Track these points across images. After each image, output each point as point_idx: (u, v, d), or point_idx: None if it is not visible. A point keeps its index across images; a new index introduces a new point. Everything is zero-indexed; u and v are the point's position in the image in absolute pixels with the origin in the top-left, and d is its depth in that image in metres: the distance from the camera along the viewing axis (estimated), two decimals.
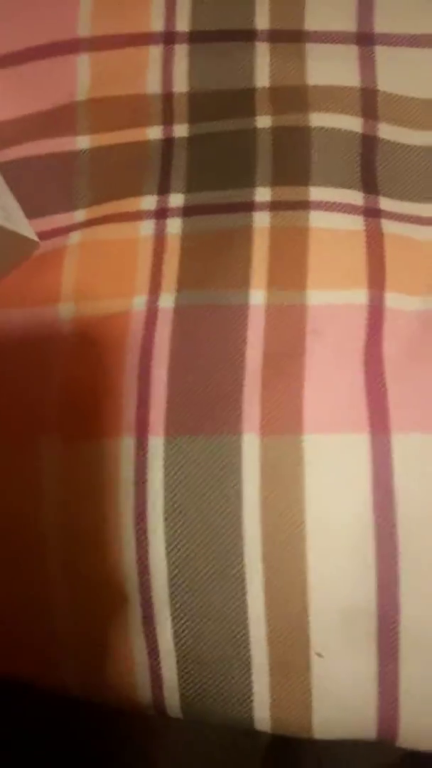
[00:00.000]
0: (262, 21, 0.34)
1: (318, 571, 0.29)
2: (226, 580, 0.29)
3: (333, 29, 0.34)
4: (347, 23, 0.34)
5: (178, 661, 0.30)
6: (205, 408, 0.30)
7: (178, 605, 0.29)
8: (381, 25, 0.34)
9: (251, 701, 0.30)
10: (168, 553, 0.29)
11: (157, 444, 0.30)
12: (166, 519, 0.29)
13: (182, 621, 0.29)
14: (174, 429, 0.30)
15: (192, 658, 0.29)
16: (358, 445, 0.29)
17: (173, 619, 0.29)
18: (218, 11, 0.35)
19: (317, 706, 0.29)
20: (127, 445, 0.30)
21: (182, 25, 0.34)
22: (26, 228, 0.32)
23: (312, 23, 0.34)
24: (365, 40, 0.34)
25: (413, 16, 0.34)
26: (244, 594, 0.29)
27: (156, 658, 0.30)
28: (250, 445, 0.29)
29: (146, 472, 0.29)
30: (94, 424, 0.30)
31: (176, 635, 0.29)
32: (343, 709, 0.29)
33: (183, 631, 0.29)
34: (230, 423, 0.29)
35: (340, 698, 0.29)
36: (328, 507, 0.29)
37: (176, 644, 0.30)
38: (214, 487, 0.29)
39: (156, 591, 0.29)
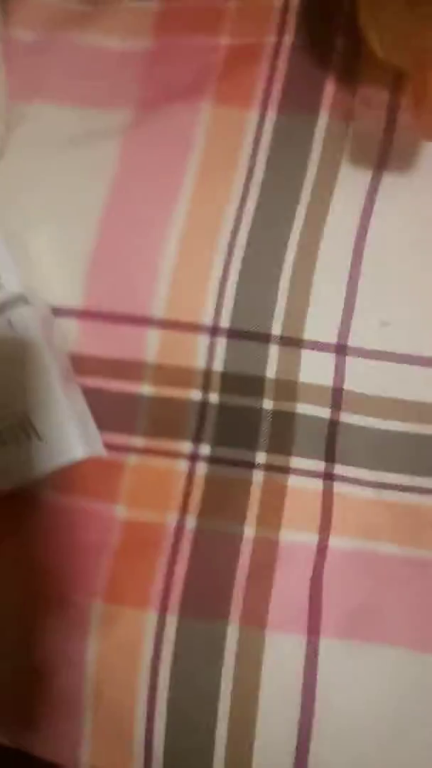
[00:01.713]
0: (276, 327, 0.44)
1: (262, 728, 0.41)
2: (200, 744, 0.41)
3: (320, 340, 0.44)
4: (330, 334, 0.45)
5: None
6: (207, 597, 0.43)
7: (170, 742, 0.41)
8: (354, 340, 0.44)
9: None
10: (168, 707, 0.41)
11: (172, 621, 0.42)
12: (170, 680, 0.41)
13: (171, 748, 0.41)
14: (185, 611, 0.43)
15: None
16: (297, 643, 0.41)
17: (165, 745, 0.41)
18: (249, 316, 0.46)
19: None
20: (151, 618, 0.43)
21: (225, 322, 0.44)
22: (95, 436, 0.44)
23: (308, 333, 0.44)
24: (341, 350, 0.44)
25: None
26: (210, 740, 0.41)
27: (150, 761, 0.42)
28: (232, 635, 0.41)
29: (162, 643, 0.43)
30: (131, 595, 0.43)
31: (165, 748, 0.42)
32: None
33: (171, 750, 0.42)
34: (221, 612, 0.42)
35: None
36: (271, 687, 0.41)
37: (165, 755, 0.42)
38: (202, 662, 0.41)
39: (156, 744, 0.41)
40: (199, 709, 0.40)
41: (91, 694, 0.42)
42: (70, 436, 0.39)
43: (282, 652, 0.41)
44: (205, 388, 0.44)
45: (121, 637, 0.42)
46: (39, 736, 0.42)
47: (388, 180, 0.45)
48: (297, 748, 0.40)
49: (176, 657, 0.41)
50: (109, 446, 0.44)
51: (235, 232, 0.45)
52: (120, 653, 0.41)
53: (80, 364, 0.45)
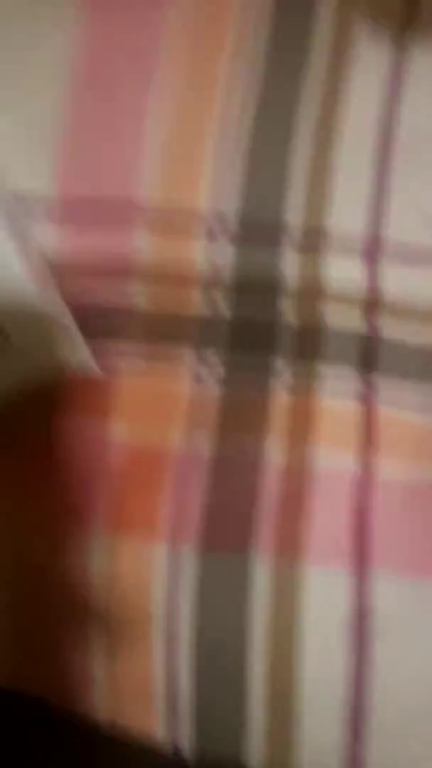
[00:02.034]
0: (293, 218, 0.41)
1: (306, 679, 0.37)
2: (229, 686, 0.38)
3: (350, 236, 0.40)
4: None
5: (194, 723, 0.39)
6: (229, 527, 0.38)
7: (196, 700, 0.38)
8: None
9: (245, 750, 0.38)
10: (192, 646, 0.38)
11: (187, 556, 0.38)
12: (192, 621, 0.38)
13: (199, 706, 0.38)
14: (201, 544, 0.38)
15: (202, 725, 0.38)
16: (341, 579, 0.37)
17: (192, 709, 0.38)
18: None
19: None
20: (160, 553, 0.38)
21: (229, 214, 0.41)
22: (82, 346, 0.39)
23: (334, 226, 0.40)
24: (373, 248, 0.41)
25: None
26: (243, 688, 0.38)
27: (175, 718, 0.38)
28: (262, 568, 0.38)
29: (179, 577, 0.38)
30: (135, 526, 0.39)
31: (192, 702, 0.38)
32: None
33: (198, 703, 0.38)
34: (246, 543, 0.38)
35: None
36: (315, 629, 0.37)
37: (192, 711, 0.38)
38: (228, 601, 0.38)
39: (181, 680, 0.38)
40: (228, 652, 0.38)
41: (101, 639, 0.39)
42: (49, 343, 0.35)
43: (326, 589, 0.38)
44: (210, 301, 0.40)
45: (127, 574, 0.38)
46: (48, 679, 0.39)
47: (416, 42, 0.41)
48: (347, 693, 0.37)
49: (195, 596, 0.38)
50: (100, 361, 0.40)
51: (231, 94, 0.41)
52: (128, 591, 0.38)
53: (60, 273, 0.40)
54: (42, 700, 0.39)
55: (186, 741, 0.38)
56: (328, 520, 0.38)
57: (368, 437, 0.39)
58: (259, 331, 0.40)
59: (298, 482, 0.38)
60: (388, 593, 0.38)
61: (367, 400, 0.40)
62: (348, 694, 0.37)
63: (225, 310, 0.41)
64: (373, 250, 0.40)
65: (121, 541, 0.39)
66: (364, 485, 0.39)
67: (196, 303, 0.41)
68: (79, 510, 0.39)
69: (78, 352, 0.38)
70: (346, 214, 0.41)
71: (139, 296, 0.41)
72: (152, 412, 0.40)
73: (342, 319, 0.40)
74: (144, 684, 0.39)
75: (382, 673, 0.37)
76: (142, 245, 0.41)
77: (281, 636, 0.38)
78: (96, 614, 0.39)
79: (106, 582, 0.39)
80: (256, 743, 0.38)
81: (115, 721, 0.39)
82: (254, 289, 0.40)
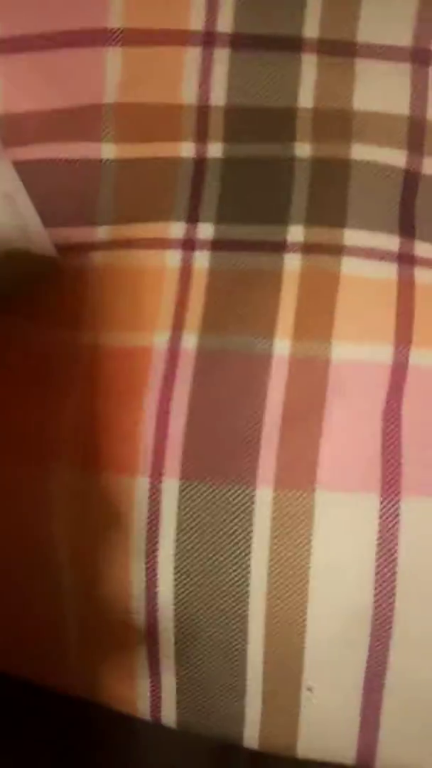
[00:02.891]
0: (311, 28, 0.33)
1: (316, 613, 0.31)
2: (229, 618, 0.31)
3: (387, 43, 0.33)
4: (403, 37, 0.33)
5: (177, 682, 0.32)
6: (222, 456, 0.31)
7: (182, 636, 0.31)
8: None
9: (242, 723, 0.32)
10: (176, 590, 0.31)
11: (171, 487, 0.31)
12: (176, 558, 0.31)
13: (185, 650, 0.32)
14: (189, 473, 0.31)
15: (191, 681, 0.32)
16: (368, 504, 0.30)
17: (176, 648, 0.32)
18: (264, 12, 0.33)
19: (302, 731, 0.32)
20: (141, 484, 0.31)
21: (224, 24, 0.33)
22: (45, 242, 0.32)
23: (365, 34, 0.33)
24: (421, 58, 0.33)
25: None
26: (245, 631, 0.31)
27: (157, 677, 0.32)
28: (263, 498, 0.31)
29: (159, 514, 0.31)
30: (108, 459, 0.31)
31: (178, 661, 0.32)
32: (325, 735, 0.32)
33: (185, 658, 0.32)
34: (245, 474, 0.31)
35: (325, 725, 0.32)
36: (333, 560, 0.31)
37: (177, 669, 0.32)
38: (224, 534, 0.31)
39: (161, 621, 0.31)
40: (223, 597, 0.31)
41: (72, 596, 0.32)
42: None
43: (343, 518, 0.31)
44: (200, 136, 0.33)
45: (100, 515, 0.32)
46: (17, 656, 0.34)
47: None
48: (370, 639, 0.31)
49: (182, 534, 0.31)
50: (63, 246, 0.33)
51: None
52: (101, 534, 0.32)
53: (10, 128, 0.34)
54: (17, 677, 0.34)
55: (170, 711, 0.33)
56: (347, 428, 0.31)
57: (403, 318, 0.31)
58: (264, 176, 0.33)
59: (311, 382, 0.31)
60: (423, 519, 0.31)
61: (403, 267, 0.32)
62: (373, 638, 0.31)
63: (217, 148, 0.33)
64: (419, 58, 0.33)
65: (92, 475, 0.31)
66: (394, 380, 0.31)
67: (178, 144, 0.33)
68: (43, 437, 0.32)
69: (31, 233, 0.30)
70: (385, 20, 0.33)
71: (107, 145, 0.33)
72: (128, 306, 0.32)
73: (375, 152, 0.33)
74: (121, 636, 0.32)
75: (408, 619, 0.31)
76: (112, 78, 0.33)
77: (288, 577, 0.31)
78: (67, 564, 0.32)
79: (76, 526, 0.32)
80: (253, 710, 0.32)
81: (92, 691, 0.33)
82: (256, 116, 0.33)
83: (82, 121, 0.33)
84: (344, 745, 0.32)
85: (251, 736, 0.33)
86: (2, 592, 0.33)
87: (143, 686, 0.33)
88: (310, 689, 0.31)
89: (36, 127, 0.34)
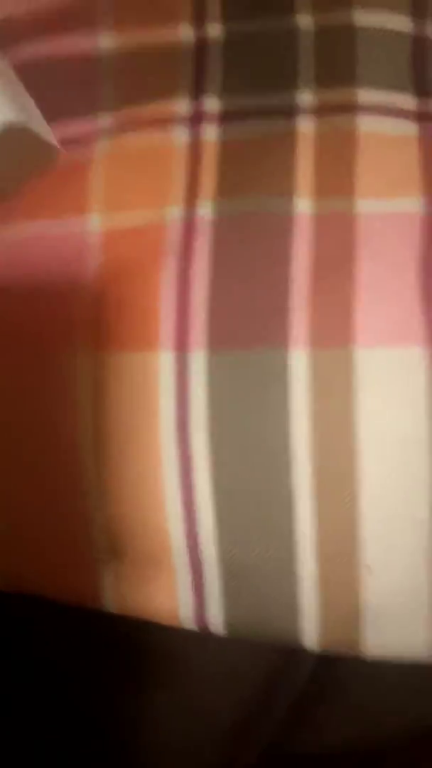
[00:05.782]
0: None
1: (369, 483, 0.28)
2: (272, 495, 0.28)
3: None
4: None
5: (222, 576, 0.29)
6: (250, 320, 0.28)
7: (222, 519, 0.29)
8: None
9: (298, 617, 0.29)
10: (212, 468, 0.28)
11: (199, 358, 0.29)
12: (210, 433, 0.28)
13: (227, 535, 0.29)
14: (217, 342, 0.28)
15: (237, 574, 0.29)
16: (413, 358, 0.28)
17: (218, 533, 0.29)
18: None
19: (366, 621, 0.29)
20: (166, 359, 0.29)
21: None
22: (46, 134, 0.30)
23: None
24: None
25: None
26: (291, 508, 0.28)
27: (200, 573, 0.29)
28: (298, 359, 0.28)
29: (188, 387, 0.28)
30: (130, 337, 0.29)
31: (221, 550, 0.29)
32: (393, 625, 0.29)
33: (228, 545, 0.29)
34: (277, 336, 0.28)
35: (390, 613, 0.29)
36: (381, 420, 0.28)
37: (220, 559, 0.29)
38: (260, 402, 0.28)
39: (200, 505, 0.29)
40: (263, 470, 0.29)
41: (99, 496, 0.30)
42: None
43: (386, 373, 0.28)
44: (198, 17, 0.32)
45: (123, 399, 0.29)
46: (46, 570, 0.31)
47: None
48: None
49: (213, 410, 0.29)
50: (67, 139, 0.32)
51: None
52: (127, 423, 0.29)
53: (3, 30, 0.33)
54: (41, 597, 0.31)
55: (217, 614, 0.30)
56: (386, 283, 0.29)
57: (429, 171, 0.29)
58: (267, 48, 0.31)
59: (339, 238, 0.29)
60: None
61: (422, 124, 0.30)
62: None
63: (217, 28, 0.31)
64: None
65: (111, 355, 0.29)
66: (429, 232, 0.29)
67: (177, 26, 0.31)
68: (57, 324, 0.30)
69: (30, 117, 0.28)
70: None
71: (105, 35, 0.31)
72: (137, 185, 0.30)
73: (378, 19, 0.31)
74: (156, 537, 0.30)
75: None
76: None
77: (333, 441, 0.28)
78: (93, 463, 0.30)
79: (100, 416, 0.30)
80: (308, 599, 0.29)
81: (123, 603, 0.31)
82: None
83: (77, 13, 0.32)
84: (414, 636, 0.29)
85: (309, 634, 0.30)
86: (28, 496, 0.30)
87: (184, 590, 0.30)
88: (369, 568, 0.29)
89: (29, 26, 0.33)
